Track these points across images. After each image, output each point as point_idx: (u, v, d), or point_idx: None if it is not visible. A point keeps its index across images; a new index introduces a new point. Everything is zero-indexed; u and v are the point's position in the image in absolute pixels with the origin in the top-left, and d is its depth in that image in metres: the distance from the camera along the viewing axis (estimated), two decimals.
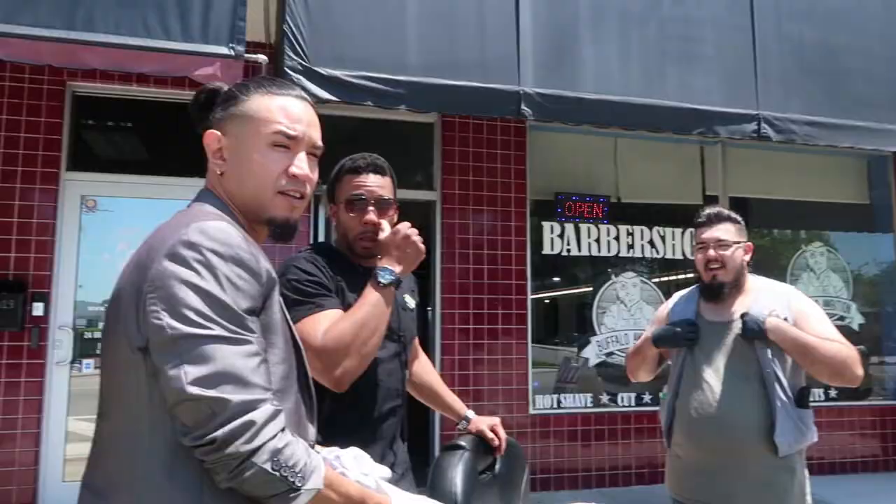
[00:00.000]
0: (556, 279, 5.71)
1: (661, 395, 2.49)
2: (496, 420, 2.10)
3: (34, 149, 4.56)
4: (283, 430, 0.98)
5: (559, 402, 5.38)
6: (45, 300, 4.45)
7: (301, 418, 1.15)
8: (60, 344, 4.54)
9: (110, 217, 4.79)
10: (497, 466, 2.09)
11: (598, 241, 5.62)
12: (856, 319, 6.17)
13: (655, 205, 5.76)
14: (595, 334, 5.54)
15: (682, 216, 5.72)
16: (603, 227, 5.64)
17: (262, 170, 1.14)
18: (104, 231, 4.72)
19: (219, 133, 1.16)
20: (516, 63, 4.19)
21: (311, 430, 1.19)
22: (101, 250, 4.67)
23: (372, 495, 1.10)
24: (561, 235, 5.56)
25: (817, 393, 5.91)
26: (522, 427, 5.11)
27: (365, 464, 1.31)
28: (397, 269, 1.67)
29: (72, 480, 4.38)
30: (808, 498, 2.20)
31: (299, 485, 0.97)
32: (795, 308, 2.21)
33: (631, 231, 5.65)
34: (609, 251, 5.64)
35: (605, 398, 5.42)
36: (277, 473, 0.95)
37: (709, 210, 2.32)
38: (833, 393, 5.95)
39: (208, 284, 0.98)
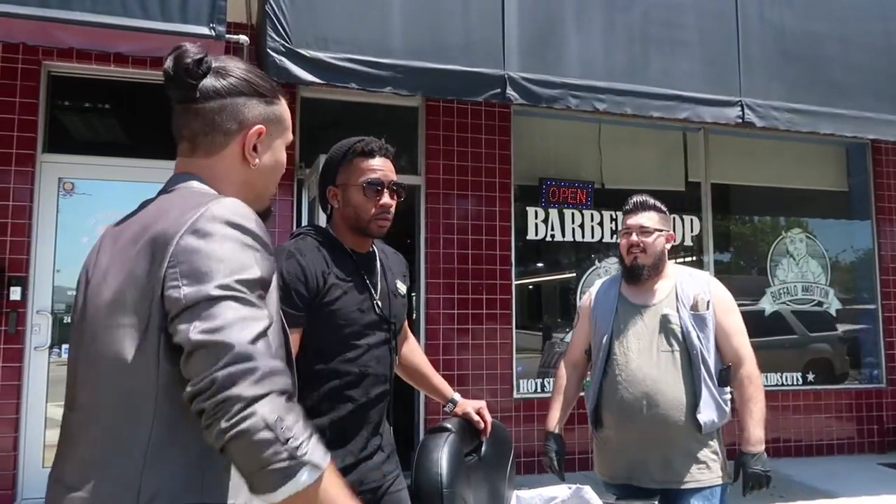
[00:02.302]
0: (540, 264, 5.72)
1: (584, 382, 2.54)
2: (482, 403, 2.11)
3: (9, 130, 4.46)
4: (290, 396, 0.93)
5: (543, 386, 5.41)
6: (22, 284, 4.38)
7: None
8: (39, 329, 4.47)
9: (88, 200, 4.71)
10: (483, 449, 2.10)
11: (581, 226, 5.64)
12: (833, 305, 6.26)
13: (638, 191, 5.74)
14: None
15: (665, 202, 5.73)
16: (587, 213, 5.65)
17: (280, 171, 1.24)
18: (82, 215, 4.65)
19: (264, 127, 1.18)
20: (501, 47, 4.17)
21: None
22: (78, 234, 4.59)
23: None
24: (545, 221, 5.57)
25: (795, 377, 6.01)
26: (506, 411, 5.14)
27: None
28: None
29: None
30: (728, 474, 2.29)
31: (302, 453, 0.87)
32: (715, 295, 2.33)
33: (614, 217, 5.67)
34: (593, 237, 5.67)
35: (587, 382, 5.45)
36: (279, 434, 0.86)
37: (636, 198, 2.43)
38: (811, 377, 6.05)
39: (231, 257, 0.98)
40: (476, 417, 2.05)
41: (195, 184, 1.13)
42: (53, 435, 4.38)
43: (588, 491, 2.06)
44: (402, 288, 1.96)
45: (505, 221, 5.36)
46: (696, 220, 5.93)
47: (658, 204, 2.43)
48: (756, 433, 2.26)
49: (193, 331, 0.91)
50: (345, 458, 1.69)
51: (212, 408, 0.87)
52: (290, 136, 1.24)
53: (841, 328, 6.32)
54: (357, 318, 1.75)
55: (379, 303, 1.82)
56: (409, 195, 5.32)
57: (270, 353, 0.95)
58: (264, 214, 1.20)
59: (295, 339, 1.66)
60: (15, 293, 4.35)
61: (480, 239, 5.29)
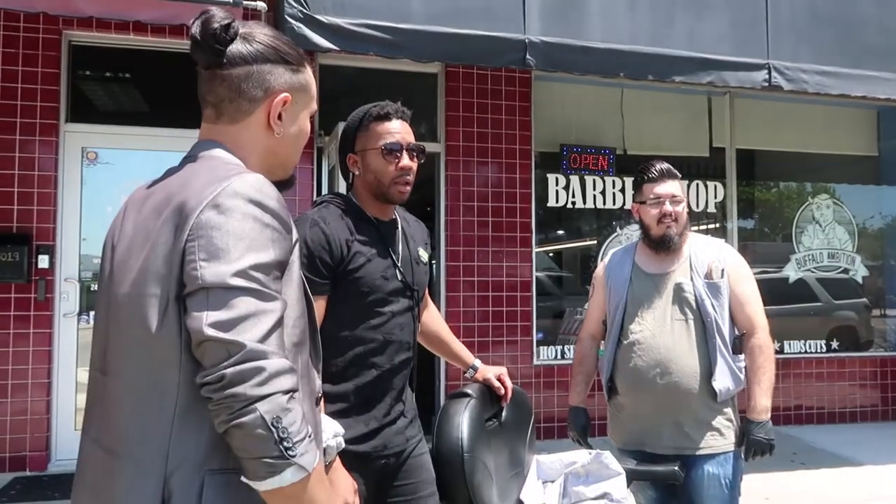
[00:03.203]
0: (561, 231, 5.69)
1: (599, 352, 2.53)
2: (503, 369, 2.12)
3: (32, 100, 4.49)
4: (294, 393, 0.95)
5: (563, 353, 5.43)
6: (49, 253, 4.46)
7: (311, 370, 1.16)
8: (67, 296, 4.56)
9: (112, 170, 4.76)
10: (503, 414, 2.12)
11: (602, 193, 5.59)
12: (860, 272, 6.17)
13: (661, 157, 5.69)
14: None
15: (688, 168, 5.67)
16: (608, 180, 5.59)
17: (304, 140, 1.22)
18: (106, 184, 4.70)
19: (289, 95, 1.17)
20: (522, 11, 4.09)
21: (317, 381, 1.19)
22: (103, 203, 4.66)
23: None
24: (566, 188, 5.52)
25: (819, 344, 5.96)
26: (527, 378, 5.17)
27: (334, 426, 1.41)
28: None
29: None
30: (738, 439, 2.28)
31: (291, 454, 0.91)
32: (730, 262, 2.31)
33: None
34: (614, 203, 5.61)
35: (602, 351, 5.46)
36: (275, 432, 0.90)
37: (660, 166, 2.36)
38: (835, 345, 6.00)
39: (251, 236, 0.98)
40: (496, 383, 2.07)
41: (220, 152, 1.13)
42: (84, 400, 4.49)
43: (608, 456, 2.07)
44: (423, 255, 1.97)
45: (525, 188, 5.32)
46: (719, 186, 5.84)
47: (676, 171, 2.40)
48: (762, 402, 2.24)
49: (206, 322, 0.93)
50: (369, 422, 1.72)
51: (218, 400, 0.91)
52: (314, 106, 1.23)
53: (867, 295, 6.23)
54: (381, 285, 1.76)
55: (402, 270, 1.82)
56: (429, 162, 5.29)
57: (281, 347, 0.97)
58: (287, 183, 1.20)
59: (320, 306, 1.67)
60: (43, 261, 4.43)
61: (501, 206, 5.26)
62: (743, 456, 2.26)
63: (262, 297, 0.96)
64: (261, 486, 0.92)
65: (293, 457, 0.92)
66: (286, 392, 0.93)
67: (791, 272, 5.96)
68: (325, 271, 1.70)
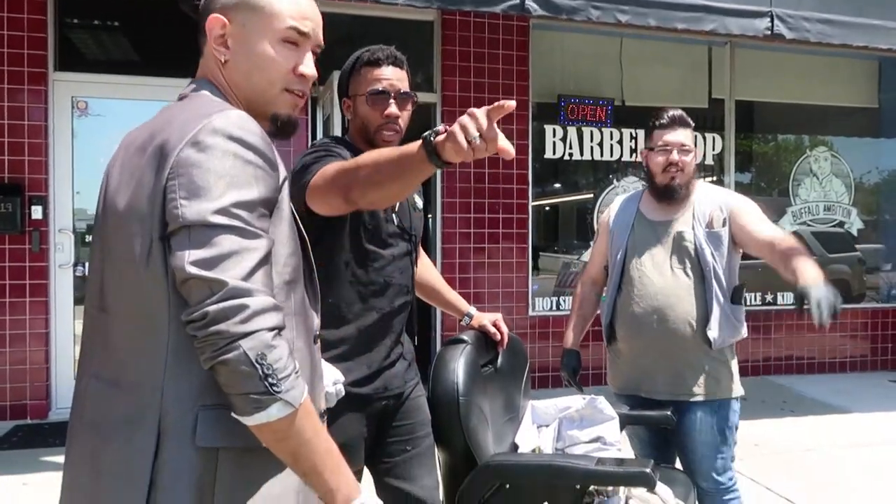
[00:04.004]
0: (558, 184, 5.66)
1: (601, 298, 2.54)
2: (498, 316, 2.13)
3: (19, 47, 4.40)
4: (280, 331, 0.95)
5: (558, 304, 5.47)
6: (42, 204, 4.43)
7: (307, 308, 1.16)
8: (62, 247, 4.55)
9: (102, 122, 4.69)
10: (499, 361, 2.14)
11: (600, 144, 5.54)
12: (855, 225, 6.18)
13: (659, 108, 5.62)
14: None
15: None
16: (606, 131, 5.54)
17: (272, 65, 1.12)
18: (97, 136, 4.64)
19: (224, 19, 1.12)
20: None
21: (315, 320, 1.20)
22: (95, 155, 4.60)
23: (340, 457, 1.03)
24: (563, 139, 5.48)
25: None
26: (522, 329, 5.22)
27: (335, 373, 1.42)
28: (446, 144, 1.16)
29: None
30: (739, 389, 2.31)
31: (276, 390, 0.92)
32: (731, 206, 2.28)
33: (634, 135, 5.56)
34: (611, 155, 5.57)
35: (604, 298, 5.50)
36: (259, 369, 0.91)
37: (673, 113, 2.33)
38: None
39: (232, 173, 0.97)
40: (492, 329, 2.09)
41: (205, 91, 1.12)
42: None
43: (602, 401, 2.11)
44: (418, 202, 1.96)
45: (522, 140, 5.28)
46: (718, 138, 5.80)
47: (689, 119, 2.35)
48: (812, 271, 1.96)
49: (188, 260, 0.92)
50: (371, 364, 1.74)
51: (202, 337, 0.92)
52: (281, 25, 1.12)
53: (861, 249, 6.26)
54: (381, 229, 1.76)
55: (399, 215, 1.82)
56: (425, 113, 5.23)
57: (267, 285, 0.96)
58: (287, 125, 1.15)
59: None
60: (36, 212, 4.41)
61: (497, 158, 5.20)
62: (813, 320, 1.89)
63: (246, 235, 0.95)
64: (249, 421, 0.93)
65: (278, 392, 0.92)
66: (271, 329, 0.93)
67: (787, 225, 5.97)
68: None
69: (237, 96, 1.14)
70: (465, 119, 1.12)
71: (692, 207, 2.30)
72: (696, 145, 2.35)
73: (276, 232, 1.05)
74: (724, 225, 2.26)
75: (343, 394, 1.43)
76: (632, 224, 2.38)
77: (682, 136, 2.28)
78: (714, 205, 2.29)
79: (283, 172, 1.08)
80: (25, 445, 4.00)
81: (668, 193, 2.29)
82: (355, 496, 1.01)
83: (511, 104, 1.10)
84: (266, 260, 0.98)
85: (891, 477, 3.61)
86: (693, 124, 2.35)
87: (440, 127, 1.20)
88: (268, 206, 1.02)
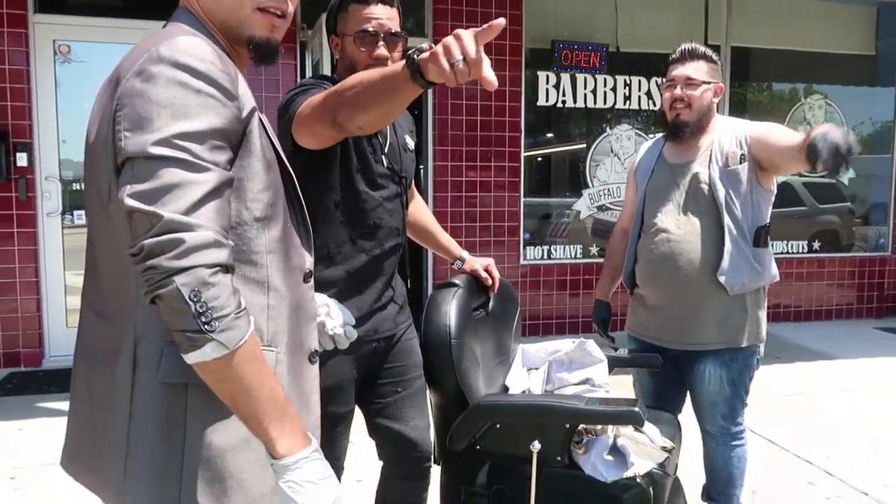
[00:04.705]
0: (550, 132, 5.61)
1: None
2: (490, 260, 2.13)
3: None
4: (225, 270, 0.92)
5: (549, 253, 5.48)
6: (28, 151, 4.35)
7: (291, 247, 1.13)
8: (49, 195, 4.50)
9: (86, 69, 4.59)
10: (490, 305, 2.15)
11: (594, 91, 5.47)
12: (846, 174, 6.18)
13: (655, 54, 5.55)
14: (588, 187, 5.54)
15: None
16: (600, 78, 5.46)
17: None
18: (81, 82, 4.54)
19: None
20: None
21: (308, 258, 1.18)
22: (80, 102, 4.51)
23: (287, 406, 0.98)
24: (556, 86, 5.40)
25: (801, 245, 6.05)
26: (513, 277, 5.24)
27: (346, 315, 1.39)
28: (429, 65, 1.10)
29: (75, 326, 4.52)
30: (763, 336, 2.25)
31: (209, 329, 0.88)
32: (751, 134, 2.14)
33: (628, 81, 5.48)
34: (605, 103, 5.51)
35: (594, 249, 5.53)
36: (192, 306, 0.88)
37: (684, 46, 2.21)
38: (816, 245, 6.09)
39: (177, 103, 0.93)
40: (484, 274, 2.09)
41: (182, 19, 1.09)
42: (74, 300, 4.53)
43: (591, 344, 2.13)
44: (410, 143, 1.93)
45: (515, 86, 5.20)
46: None
47: (709, 52, 2.20)
48: (823, 126, 1.76)
49: (128, 193, 0.90)
50: (360, 307, 1.74)
51: (141, 272, 0.90)
52: None
53: (851, 198, 6.27)
54: (371, 169, 1.74)
55: (389, 156, 1.79)
56: None
57: (216, 221, 0.92)
58: (263, 48, 1.10)
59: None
60: (21, 159, 4.34)
61: (490, 105, 5.16)
62: (823, 168, 1.75)
63: (191, 168, 0.92)
64: (187, 359, 0.91)
65: (211, 332, 0.89)
66: (210, 266, 0.90)
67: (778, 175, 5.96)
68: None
69: (213, 23, 1.10)
70: (449, 40, 1.06)
71: (711, 147, 2.18)
72: (720, 80, 2.20)
73: (244, 165, 1.02)
74: (741, 161, 2.13)
75: (354, 336, 1.43)
76: (652, 168, 2.30)
77: (692, 69, 2.16)
78: (734, 141, 2.16)
79: (248, 103, 1.04)
80: (20, 392, 4.02)
81: (676, 131, 2.20)
82: (299, 448, 0.97)
83: (500, 22, 1.04)
84: (216, 193, 0.94)
85: (872, 419, 3.70)
86: (710, 55, 2.19)
87: (425, 44, 1.16)
88: (224, 137, 0.97)
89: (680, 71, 2.18)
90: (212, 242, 0.91)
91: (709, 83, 2.17)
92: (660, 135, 2.41)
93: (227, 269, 0.92)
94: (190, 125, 0.93)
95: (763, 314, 2.26)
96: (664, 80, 2.24)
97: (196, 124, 0.93)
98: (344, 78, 1.78)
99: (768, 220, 2.21)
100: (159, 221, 0.88)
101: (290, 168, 1.14)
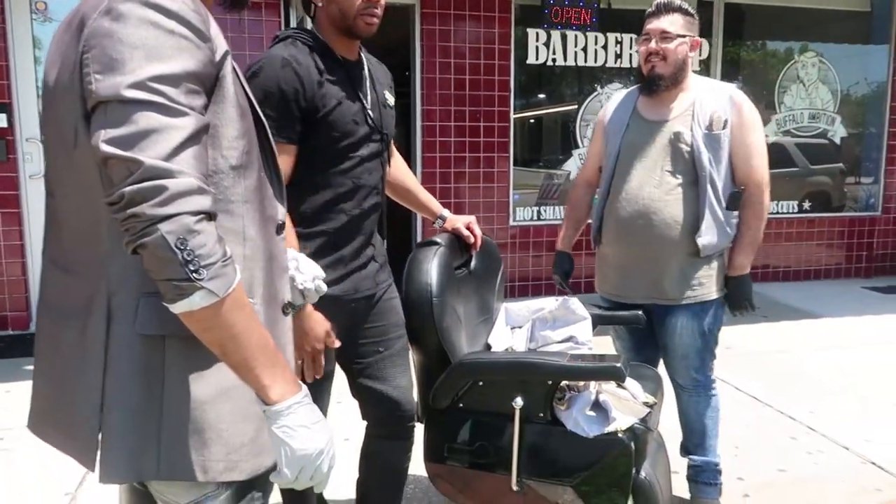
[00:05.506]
0: (540, 94, 5.53)
1: (593, 199, 2.49)
2: (471, 218, 2.10)
3: None
4: (208, 217, 0.89)
5: (539, 213, 5.46)
6: (7, 111, 4.27)
7: (265, 197, 1.11)
8: (31, 157, 4.43)
9: None
10: (473, 263, 2.13)
11: (584, 49, 5.38)
12: (838, 133, 6.15)
13: (645, 11, 5.44)
14: (578, 147, 5.50)
15: None
16: (590, 35, 5.37)
17: None
18: None
19: None
20: None
21: (280, 209, 1.15)
22: None
23: (277, 353, 0.97)
24: (546, 44, 5.31)
25: (792, 205, 6.05)
26: (502, 238, 5.23)
27: (315, 269, 1.36)
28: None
29: None
30: (721, 290, 2.27)
31: (198, 277, 0.86)
32: (737, 111, 2.15)
33: (620, 39, 5.39)
34: (596, 61, 5.42)
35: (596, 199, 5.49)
36: (179, 254, 0.85)
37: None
38: (807, 205, 6.08)
39: (149, 44, 0.89)
40: (465, 232, 2.06)
41: None
42: None
43: (574, 302, 2.12)
44: (390, 99, 1.88)
45: (505, 44, 5.11)
46: (705, 43, 5.64)
47: (685, 5, 2.18)
48: (738, 259, 2.22)
49: (103, 138, 0.86)
50: (339, 266, 1.72)
51: (121, 221, 0.86)
52: None
53: (843, 159, 6.25)
54: (351, 129, 1.69)
55: (370, 114, 1.75)
56: (404, 17, 5.03)
57: (196, 167, 0.89)
58: None
59: (291, 153, 1.62)
60: (1, 120, 4.25)
61: (479, 63, 5.07)
62: (730, 312, 2.27)
63: (168, 112, 0.88)
64: (174, 308, 0.89)
65: (199, 280, 0.87)
66: (194, 213, 0.87)
67: (770, 134, 5.92)
68: (300, 114, 1.62)
69: None
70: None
71: (692, 106, 2.16)
72: (696, 34, 2.19)
73: (218, 111, 0.99)
74: (724, 127, 2.13)
75: (324, 290, 1.41)
76: (627, 123, 2.27)
77: (666, 22, 2.14)
78: (717, 104, 2.15)
79: (220, 46, 1.00)
80: (7, 355, 4.02)
81: (650, 84, 2.18)
82: (290, 395, 0.96)
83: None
84: (195, 139, 0.91)
85: (857, 376, 3.74)
86: (686, 8, 2.18)
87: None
88: (198, 81, 0.94)
89: (655, 24, 2.16)
90: (195, 189, 0.88)
91: (684, 36, 2.15)
92: (632, 87, 2.38)
93: (210, 216, 0.90)
94: (164, 67, 0.89)
95: (723, 270, 2.28)
96: (640, 36, 2.21)
97: (170, 67, 0.90)
98: (325, 30, 1.72)
99: (736, 186, 2.23)
100: (139, 168, 0.85)
101: (262, 117, 1.11)
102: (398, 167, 2.06)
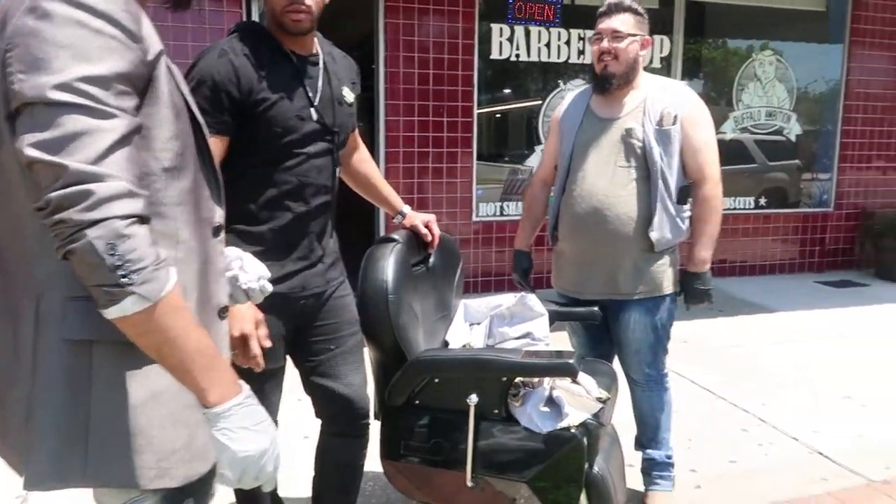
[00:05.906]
0: (504, 86, 5.55)
1: (550, 198, 2.53)
2: (431, 216, 2.11)
3: None
4: (140, 220, 0.87)
5: (502, 209, 5.48)
6: None
7: (201, 199, 1.08)
8: None
9: None
10: (431, 260, 2.13)
11: (548, 45, 5.41)
12: (794, 130, 6.29)
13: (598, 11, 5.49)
14: (541, 143, 5.53)
15: None
16: (554, 31, 5.40)
17: None
18: None
19: None
20: None
21: (218, 211, 1.13)
22: None
23: (216, 355, 0.96)
24: (510, 39, 5.32)
25: (748, 201, 6.18)
26: (465, 234, 5.24)
27: (260, 269, 1.34)
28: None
29: None
30: (674, 286, 2.31)
31: (128, 283, 0.84)
32: (686, 107, 2.21)
33: (583, 35, 5.43)
34: (559, 57, 5.46)
35: (552, 197, 5.53)
36: (108, 259, 0.83)
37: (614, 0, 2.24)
38: (763, 201, 6.22)
39: (76, 44, 0.86)
40: (423, 230, 2.06)
41: None
42: None
43: (532, 298, 2.14)
44: (348, 96, 1.85)
45: (468, 39, 5.11)
46: (666, 40, 5.72)
47: (634, 5, 2.23)
48: (700, 254, 2.27)
49: (28, 142, 0.84)
50: (285, 265, 1.70)
51: (49, 227, 0.85)
52: None
53: (799, 155, 6.40)
54: (295, 125, 1.67)
55: (319, 110, 1.73)
56: (368, 10, 4.99)
57: (127, 170, 0.88)
58: None
59: (220, 145, 1.58)
60: None
61: (442, 58, 5.06)
62: (685, 307, 2.32)
63: (96, 114, 0.86)
64: (107, 314, 0.88)
65: (130, 285, 0.85)
66: (124, 217, 0.85)
67: (728, 131, 6.03)
68: (232, 106, 1.59)
69: None
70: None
71: (643, 103, 2.21)
72: (647, 33, 2.24)
73: (150, 112, 0.97)
74: (674, 122, 2.18)
75: (269, 290, 1.40)
76: (581, 121, 2.30)
77: (618, 22, 2.18)
78: (668, 100, 2.20)
79: (153, 46, 0.97)
80: None
81: (602, 83, 2.22)
82: (230, 397, 0.96)
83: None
84: (125, 141, 0.89)
85: (806, 368, 3.85)
86: (636, 8, 2.22)
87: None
88: (128, 82, 0.92)
89: (606, 24, 2.20)
90: (125, 192, 0.86)
91: (635, 35, 2.20)
92: (585, 86, 2.41)
93: (142, 219, 0.88)
94: (92, 69, 0.87)
95: (677, 265, 2.33)
96: (592, 35, 2.25)
97: (99, 68, 0.87)
98: (272, 25, 1.70)
99: (686, 181, 2.28)
100: (65, 172, 0.83)
101: (199, 117, 1.09)
102: (363, 160, 2.05)
